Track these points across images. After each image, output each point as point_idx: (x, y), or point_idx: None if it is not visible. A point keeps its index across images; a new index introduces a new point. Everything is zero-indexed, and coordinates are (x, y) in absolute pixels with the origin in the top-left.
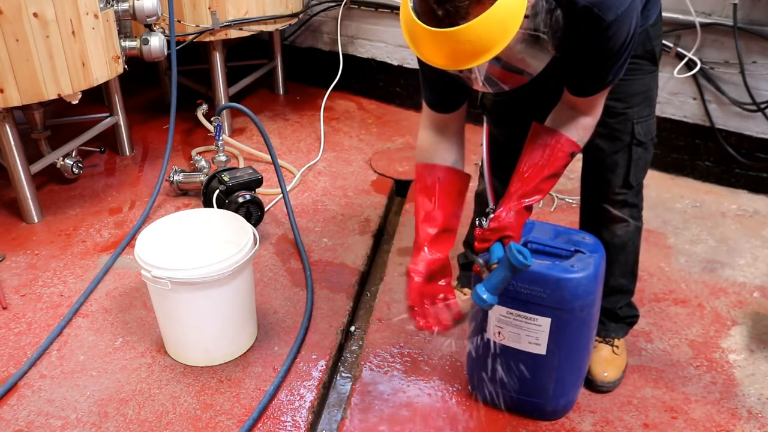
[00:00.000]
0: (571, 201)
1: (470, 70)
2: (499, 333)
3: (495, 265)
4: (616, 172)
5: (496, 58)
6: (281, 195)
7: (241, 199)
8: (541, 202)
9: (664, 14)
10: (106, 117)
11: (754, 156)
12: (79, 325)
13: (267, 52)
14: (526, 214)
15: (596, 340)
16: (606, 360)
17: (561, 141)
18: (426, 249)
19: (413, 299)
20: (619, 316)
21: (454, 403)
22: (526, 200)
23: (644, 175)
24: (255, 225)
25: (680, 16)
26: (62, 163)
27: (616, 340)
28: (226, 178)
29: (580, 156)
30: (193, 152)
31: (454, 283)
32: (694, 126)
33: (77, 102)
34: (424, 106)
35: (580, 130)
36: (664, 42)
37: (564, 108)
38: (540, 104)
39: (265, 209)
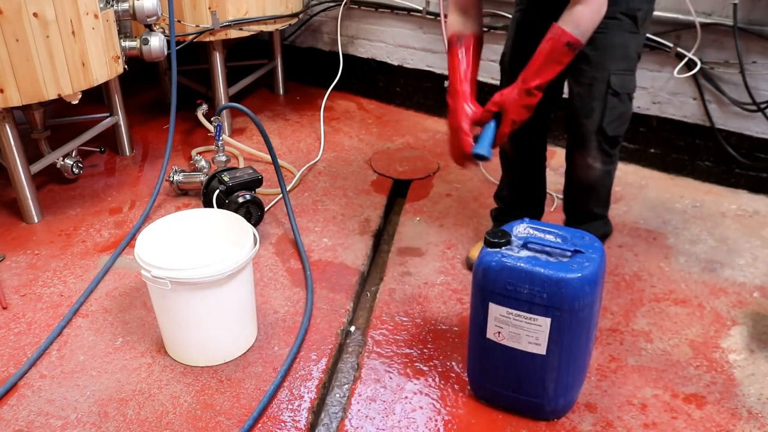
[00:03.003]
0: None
1: None
2: (498, 333)
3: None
4: (592, 118)
5: None
6: (281, 195)
7: (241, 199)
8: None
9: (664, 14)
10: (106, 117)
11: (754, 156)
12: (79, 325)
13: (267, 52)
14: (527, 98)
15: None
16: None
17: (557, 32)
18: (468, 105)
19: (467, 147)
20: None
21: (453, 403)
22: (528, 82)
23: (620, 128)
24: (255, 225)
25: (680, 16)
26: (62, 163)
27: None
28: (226, 178)
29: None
30: (193, 152)
31: None
32: (694, 126)
33: (77, 102)
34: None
35: (575, 18)
36: (664, 41)
37: (568, 4)
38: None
39: (265, 209)
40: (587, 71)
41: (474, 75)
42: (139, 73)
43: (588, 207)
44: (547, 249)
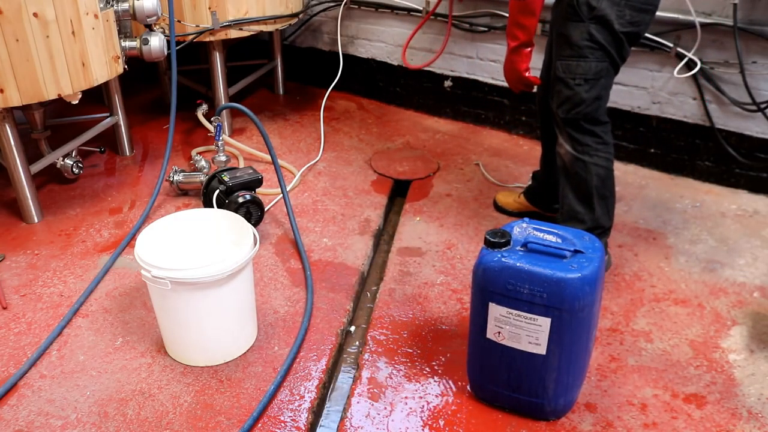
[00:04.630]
0: None
1: None
2: (498, 333)
3: None
4: (553, 101)
5: None
6: (281, 195)
7: (241, 199)
8: None
9: (664, 14)
10: (106, 117)
11: (754, 156)
12: (79, 325)
13: (267, 52)
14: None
15: None
16: None
17: None
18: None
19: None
20: None
21: (453, 402)
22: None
23: (574, 112)
24: (255, 225)
25: (680, 16)
26: (62, 163)
27: None
28: (226, 178)
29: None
30: (193, 152)
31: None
32: (694, 126)
33: (77, 102)
34: None
35: None
36: (664, 41)
37: None
38: None
39: (265, 209)
40: (550, 58)
41: None
42: (139, 73)
43: (567, 198)
44: (548, 249)
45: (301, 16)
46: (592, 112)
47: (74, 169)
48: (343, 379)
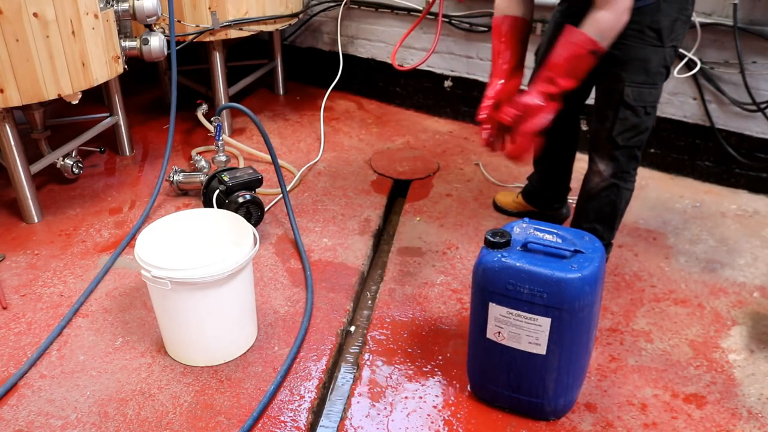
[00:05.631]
0: (571, 201)
1: None
2: (498, 333)
3: None
4: (604, 125)
5: None
6: (281, 195)
7: (241, 199)
8: None
9: None
10: (106, 117)
11: (754, 156)
12: (79, 325)
13: (267, 52)
14: (549, 102)
15: None
16: None
17: (580, 38)
18: (500, 80)
19: (484, 117)
20: None
21: (453, 402)
22: (549, 84)
23: (635, 139)
24: (255, 225)
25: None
26: (62, 163)
27: None
28: (226, 178)
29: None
30: (193, 152)
31: (519, 197)
32: (694, 126)
33: (77, 102)
34: None
35: (596, 23)
36: None
37: (589, 10)
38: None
39: (265, 209)
40: (603, 80)
41: (514, 55)
42: (139, 73)
43: (590, 219)
44: (548, 249)
45: (301, 16)
46: (646, 139)
47: (74, 169)
48: (343, 379)
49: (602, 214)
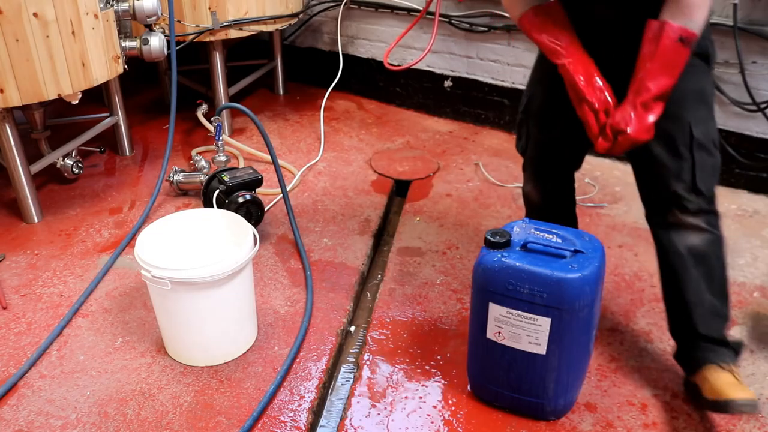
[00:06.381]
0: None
1: None
2: (498, 333)
3: None
4: (682, 179)
5: None
6: (281, 195)
7: (241, 199)
8: None
9: None
10: (106, 117)
11: (754, 156)
12: (79, 325)
13: (267, 52)
14: (646, 113)
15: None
16: (735, 383)
17: (663, 27)
18: (597, 78)
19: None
20: (726, 342)
21: (453, 402)
22: (644, 93)
23: (714, 181)
24: (255, 225)
25: None
26: (62, 163)
27: (732, 365)
28: (226, 178)
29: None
30: (193, 152)
31: None
32: None
33: (77, 102)
34: None
35: (684, 9)
36: None
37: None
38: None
39: (265, 209)
40: (662, 125)
41: (572, 32)
42: (139, 73)
43: (702, 294)
44: (548, 249)
45: (301, 16)
46: None
47: (74, 169)
48: (343, 379)
49: (713, 281)
